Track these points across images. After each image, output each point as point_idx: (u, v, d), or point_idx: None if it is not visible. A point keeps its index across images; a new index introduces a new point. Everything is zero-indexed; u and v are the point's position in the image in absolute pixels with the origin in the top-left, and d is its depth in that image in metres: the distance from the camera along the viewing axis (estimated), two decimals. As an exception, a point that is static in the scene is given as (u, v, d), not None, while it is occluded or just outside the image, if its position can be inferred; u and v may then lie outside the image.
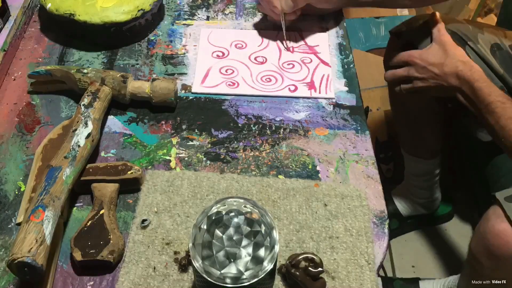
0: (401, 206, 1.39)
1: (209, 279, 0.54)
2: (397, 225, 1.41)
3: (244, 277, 0.54)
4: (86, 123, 0.78)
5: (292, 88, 0.93)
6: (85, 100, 0.81)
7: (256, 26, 1.05)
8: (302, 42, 1.02)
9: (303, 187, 0.78)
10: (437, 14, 0.97)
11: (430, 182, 1.33)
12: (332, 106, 0.91)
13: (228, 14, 1.08)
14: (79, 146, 0.74)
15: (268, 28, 1.04)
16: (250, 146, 0.84)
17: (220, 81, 0.94)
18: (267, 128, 0.87)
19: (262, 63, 0.97)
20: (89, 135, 0.76)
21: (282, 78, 0.94)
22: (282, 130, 0.87)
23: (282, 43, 1.01)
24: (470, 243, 0.95)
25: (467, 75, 0.87)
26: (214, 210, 0.57)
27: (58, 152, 0.73)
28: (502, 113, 0.82)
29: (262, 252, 0.55)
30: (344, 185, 0.78)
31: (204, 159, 0.82)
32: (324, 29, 1.05)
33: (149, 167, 0.81)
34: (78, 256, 0.67)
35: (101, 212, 0.71)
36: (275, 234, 0.57)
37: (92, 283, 0.67)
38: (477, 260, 0.91)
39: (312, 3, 0.96)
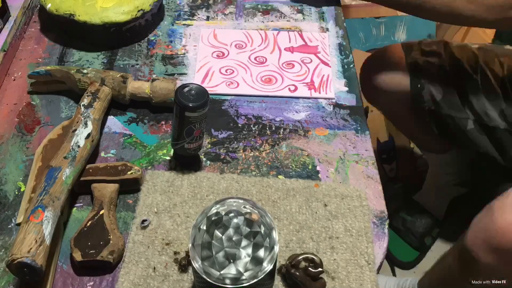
0: (435, 207, 1.33)
1: (208, 279, 0.54)
2: (430, 242, 1.35)
3: (243, 277, 0.54)
4: (86, 123, 0.78)
5: (292, 88, 0.93)
6: (85, 101, 0.82)
7: (256, 26, 1.05)
8: (302, 42, 1.02)
9: (303, 187, 0.78)
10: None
11: (457, 166, 1.30)
12: (332, 106, 0.91)
13: (228, 14, 1.08)
14: (79, 146, 0.74)
15: (268, 28, 1.04)
16: (250, 146, 0.84)
17: (220, 81, 0.94)
18: (267, 128, 0.87)
19: (262, 63, 0.97)
20: (89, 135, 0.76)
21: (282, 78, 0.94)
22: (282, 130, 0.87)
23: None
24: (464, 238, 0.91)
25: None
26: (213, 210, 0.57)
27: (58, 153, 0.73)
28: None
29: (261, 252, 0.55)
30: (344, 185, 0.78)
31: (204, 159, 0.82)
32: (324, 29, 1.05)
33: (149, 167, 0.81)
34: (78, 256, 0.67)
35: (101, 213, 0.71)
36: (275, 234, 0.57)
37: (92, 283, 0.67)
38: (472, 256, 0.88)
39: None
